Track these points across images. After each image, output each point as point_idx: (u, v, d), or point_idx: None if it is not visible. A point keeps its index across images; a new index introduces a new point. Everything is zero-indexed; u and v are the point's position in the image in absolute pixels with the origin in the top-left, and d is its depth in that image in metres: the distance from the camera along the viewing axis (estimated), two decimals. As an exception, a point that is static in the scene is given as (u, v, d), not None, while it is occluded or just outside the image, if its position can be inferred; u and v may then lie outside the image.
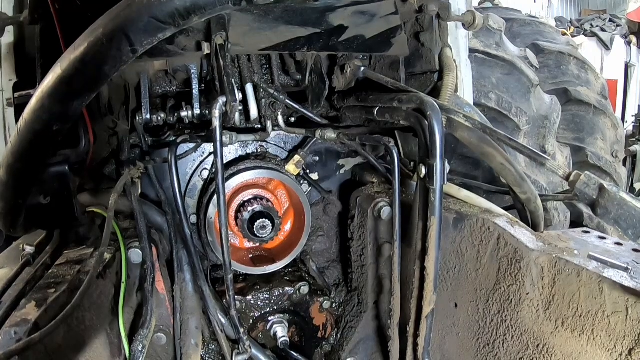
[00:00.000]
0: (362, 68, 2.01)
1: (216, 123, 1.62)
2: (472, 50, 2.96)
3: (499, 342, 1.83)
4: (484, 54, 3.71)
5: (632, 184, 9.09)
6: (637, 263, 1.50)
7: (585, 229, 1.84)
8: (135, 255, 1.89)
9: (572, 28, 13.13)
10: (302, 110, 2.15)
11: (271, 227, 2.07)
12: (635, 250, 1.58)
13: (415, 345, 1.98)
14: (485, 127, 1.74)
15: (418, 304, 1.88)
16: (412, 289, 1.87)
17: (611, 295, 1.44)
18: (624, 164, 5.86)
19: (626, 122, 11.07)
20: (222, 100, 1.63)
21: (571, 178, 1.52)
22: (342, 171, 2.42)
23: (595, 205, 1.52)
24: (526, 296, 1.71)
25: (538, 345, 1.68)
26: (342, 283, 2.48)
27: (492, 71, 3.72)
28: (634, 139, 9.82)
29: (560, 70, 4.92)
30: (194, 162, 2.23)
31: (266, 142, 2.31)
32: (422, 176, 1.65)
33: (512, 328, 1.78)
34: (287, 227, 2.36)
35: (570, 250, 1.62)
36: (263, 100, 2.14)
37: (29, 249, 1.81)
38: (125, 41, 1.36)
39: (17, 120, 1.54)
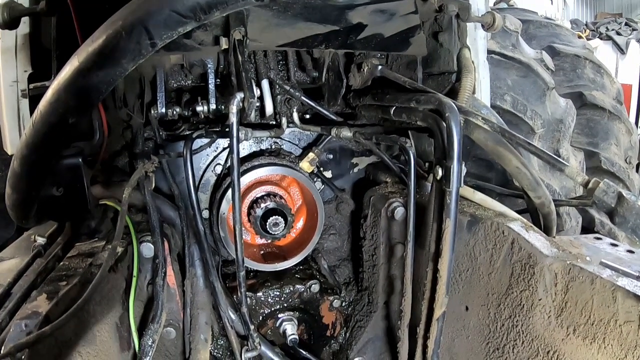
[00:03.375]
0: (380, 67, 2.00)
1: (233, 119, 1.61)
2: (488, 52, 2.93)
3: (509, 347, 1.82)
4: (500, 55, 3.68)
5: (645, 190, 8.99)
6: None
7: (597, 235, 1.83)
8: (147, 249, 1.89)
9: (588, 31, 13.03)
10: (318, 107, 2.14)
11: (284, 225, 2.06)
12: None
13: (424, 347, 1.96)
14: (503, 130, 1.72)
15: (429, 306, 1.87)
16: (424, 291, 1.86)
17: (624, 304, 1.43)
18: (637, 171, 5.80)
19: (640, 127, 10.99)
20: (239, 96, 1.62)
21: (590, 185, 1.51)
22: (355, 170, 2.41)
23: (614, 214, 1.50)
24: (538, 302, 1.69)
25: (548, 352, 1.67)
26: (352, 282, 2.48)
27: (508, 73, 3.69)
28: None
29: (576, 73, 4.87)
30: (208, 157, 2.23)
31: (281, 138, 2.30)
32: (438, 178, 1.64)
33: (522, 333, 1.77)
34: (300, 224, 2.35)
35: (582, 256, 1.61)
36: (279, 97, 2.13)
37: (41, 240, 1.82)
38: (144, 34, 1.35)
39: (31, 112, 1.55)
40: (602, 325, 1.49)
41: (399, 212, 2.06)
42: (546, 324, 1.68)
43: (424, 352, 1.98)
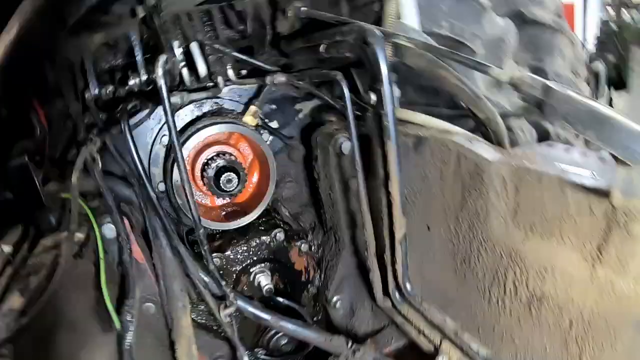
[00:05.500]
0: (302, 8, 2.00)
1: (161, 82, 1.61)
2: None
3: (474, 257, 1.88)
4: (431, -19, 3.68)
5: (596, 101, 9.18)
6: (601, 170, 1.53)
7: (550, 142, 1.87)
8: (109, 230, 1.90)
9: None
10: (251, 60, 2.14)
11: (237, 180, 2.08)
12: (601, 159, 1.60)
13: (394, 272, 2.03)
14: (432, 48, 1.75)
15: (390, 231, 1.92)
16: (382, 217, 1.91)
17: (574, 197, 1.48)
18: (588, 84, 5.94)
19: (587, 41, 11.11)
20: (162, 58, 1.62)
21: (515, 80, 1.54)
22: (300, 115, 2.41)
23: (542, 105, 1.54)
24: (492, 208, 1.74)
25: (511, 255, 1.72)
26: (317, 225, 2.52)
27: (441, -1, 3.70)
28: (596, 58, 9.87)
29: (512, -7, 4.89)
30: (152, 130, 2.22)
31: (220, 98, 2.30)
32: (373, 104, 1.67)
33: (484, 241, 1.82)
34: (254, 178, 2.37)
35: (531, 160, 1.66)
36: (210, 57, 2.12)
37: (7, 249, 1.81)
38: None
39: None
40: (557, 220, 1.54)
41: (346, 146, 2.09)
42: (504, 228, 1.73)
43: (395, 278, 2.04)
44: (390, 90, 1.59)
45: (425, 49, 1.72)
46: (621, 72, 10.81)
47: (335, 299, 2.44)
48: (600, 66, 9.01)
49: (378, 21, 2.03)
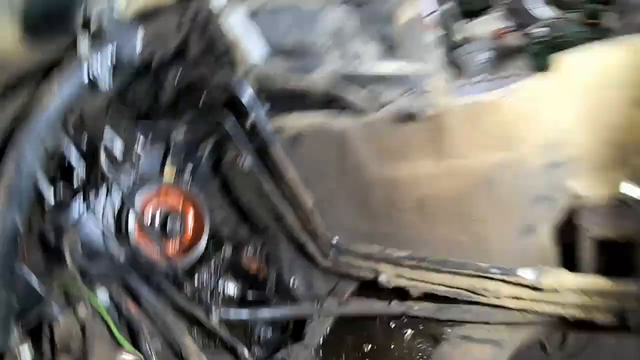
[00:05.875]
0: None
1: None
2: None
3: (369, 195, 2.58)
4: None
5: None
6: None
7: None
8: (102, 295, 2.37)
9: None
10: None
11: (179, 222, 2.67)
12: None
13: (320, 237, 2.63)
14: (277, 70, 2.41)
15: (301, 208, 2.57)
16: (294, 200, 2.55)
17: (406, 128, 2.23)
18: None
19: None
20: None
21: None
22: (204, 155, 2.98)
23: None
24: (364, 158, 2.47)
25: (390, 181, 2.48)
26: (252, 233, 3.08)
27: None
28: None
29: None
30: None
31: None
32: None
33: (370, 182, 2.53)
34: (190, 217, 2.90)
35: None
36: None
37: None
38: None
39: None
40: (402, 147, 2.38)
41: (248, 162, 2.63)
42: (378, 167, 2.46)
43: (323, 240, 2.65)
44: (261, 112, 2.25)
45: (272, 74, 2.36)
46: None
47: (292, 280, 3.00)
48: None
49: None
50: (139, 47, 2.06)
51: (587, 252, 2.00)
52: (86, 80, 1.93)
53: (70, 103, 1.94)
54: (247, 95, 2.29)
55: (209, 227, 2.85)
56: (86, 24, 1.86)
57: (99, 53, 1.92)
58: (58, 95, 1.90)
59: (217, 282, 2.88)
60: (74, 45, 1.91)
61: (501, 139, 2.14)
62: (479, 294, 2.21)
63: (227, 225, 3.08)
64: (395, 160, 2.39)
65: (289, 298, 3.08)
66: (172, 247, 2.88)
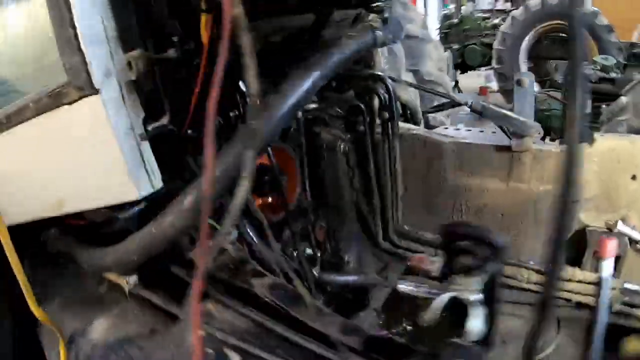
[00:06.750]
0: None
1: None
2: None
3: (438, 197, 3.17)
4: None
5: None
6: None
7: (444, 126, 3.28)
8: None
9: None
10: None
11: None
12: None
13: (391, 220, 3.19)
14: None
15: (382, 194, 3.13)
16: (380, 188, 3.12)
17: (493, 152, 2.84)
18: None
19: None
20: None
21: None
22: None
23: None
24: (446, 166, 3.05)
25: (459, 188, 3.07)
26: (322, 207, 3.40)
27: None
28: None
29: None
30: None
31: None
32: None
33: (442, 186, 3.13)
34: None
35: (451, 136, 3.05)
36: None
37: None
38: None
39: (154, 152, 1.76)
40: (483, 165, 2.95)
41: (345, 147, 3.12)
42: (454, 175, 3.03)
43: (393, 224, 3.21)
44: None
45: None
46: (464, 56, 13.23)
47: (347, 257, 3.37)
48: (447, 54, 10.92)
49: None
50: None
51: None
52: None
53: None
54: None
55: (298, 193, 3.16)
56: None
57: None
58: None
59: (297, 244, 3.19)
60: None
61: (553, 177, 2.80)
62: (514, 279, 2.80)
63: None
64: (471, 174, 3.00)
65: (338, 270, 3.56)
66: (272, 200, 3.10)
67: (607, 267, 2.67)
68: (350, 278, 3.22)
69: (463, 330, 1.52)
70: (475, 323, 1.49)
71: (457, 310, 1.57)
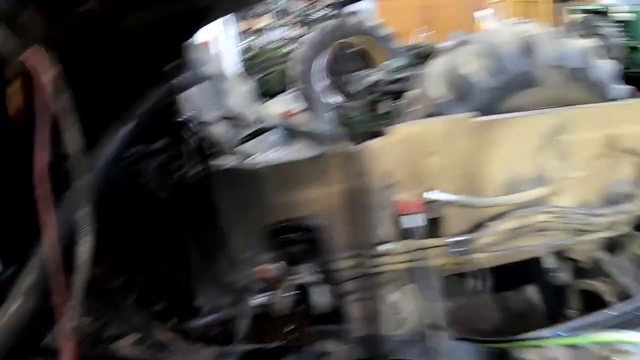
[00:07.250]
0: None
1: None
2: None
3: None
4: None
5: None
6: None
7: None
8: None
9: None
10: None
11: None
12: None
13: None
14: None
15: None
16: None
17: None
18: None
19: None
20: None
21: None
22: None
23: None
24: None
25: None
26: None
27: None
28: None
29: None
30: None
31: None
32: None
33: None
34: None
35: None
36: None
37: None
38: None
39: None
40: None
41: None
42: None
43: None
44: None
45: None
46: (268, 85, 14.01)
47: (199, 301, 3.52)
48: (249, 86, 11.28)
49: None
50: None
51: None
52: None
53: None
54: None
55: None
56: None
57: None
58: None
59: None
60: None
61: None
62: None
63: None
64: (292, 190, 3.22)
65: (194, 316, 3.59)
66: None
67: (407, 221, 3.03)
68: (209, 319, 3.28)
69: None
70: (317, 298, 1.67)
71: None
